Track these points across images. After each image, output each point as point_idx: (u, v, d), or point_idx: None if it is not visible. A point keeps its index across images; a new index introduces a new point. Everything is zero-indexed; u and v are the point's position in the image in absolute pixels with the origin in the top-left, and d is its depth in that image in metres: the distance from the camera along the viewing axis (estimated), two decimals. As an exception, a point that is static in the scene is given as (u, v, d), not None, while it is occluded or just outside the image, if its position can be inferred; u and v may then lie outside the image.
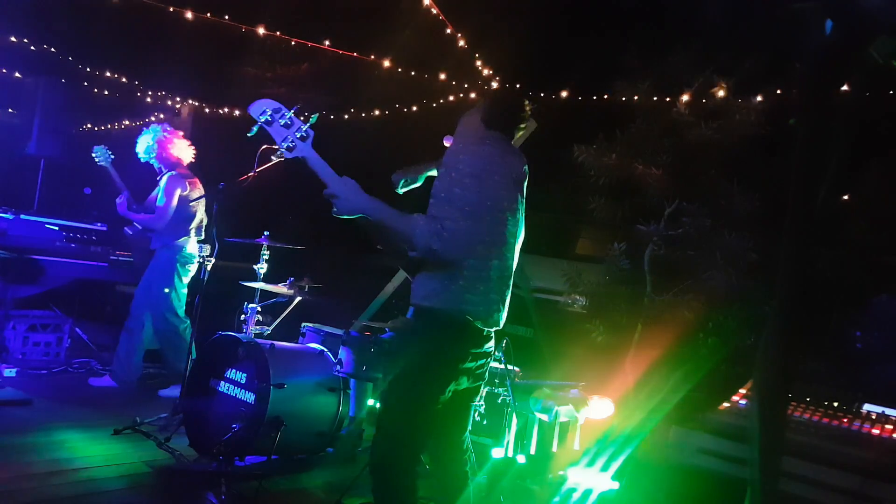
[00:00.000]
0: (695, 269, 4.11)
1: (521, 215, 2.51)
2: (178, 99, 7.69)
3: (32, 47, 6.21)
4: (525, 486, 3.59)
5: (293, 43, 5.47)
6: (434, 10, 4.65)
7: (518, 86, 5.53)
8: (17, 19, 5.59)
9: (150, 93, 7.57)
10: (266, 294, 4.54)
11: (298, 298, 4.52)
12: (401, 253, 2.33)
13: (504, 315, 2.49)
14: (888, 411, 3.12)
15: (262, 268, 4.51)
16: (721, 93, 4.18)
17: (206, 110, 7.64)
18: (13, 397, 4.46)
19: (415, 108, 6.46)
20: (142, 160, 5.24)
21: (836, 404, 3.18)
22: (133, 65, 6.77)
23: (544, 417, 3.39)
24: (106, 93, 7.60)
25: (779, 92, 4.11)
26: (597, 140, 4.27)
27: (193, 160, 5.31)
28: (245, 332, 4.35)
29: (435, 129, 2.86)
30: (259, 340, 3.96)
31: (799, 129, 1.09)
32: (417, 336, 2.41)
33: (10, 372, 4.95)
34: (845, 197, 4.00)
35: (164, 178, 5.08)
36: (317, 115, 3.26)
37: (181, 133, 5.27)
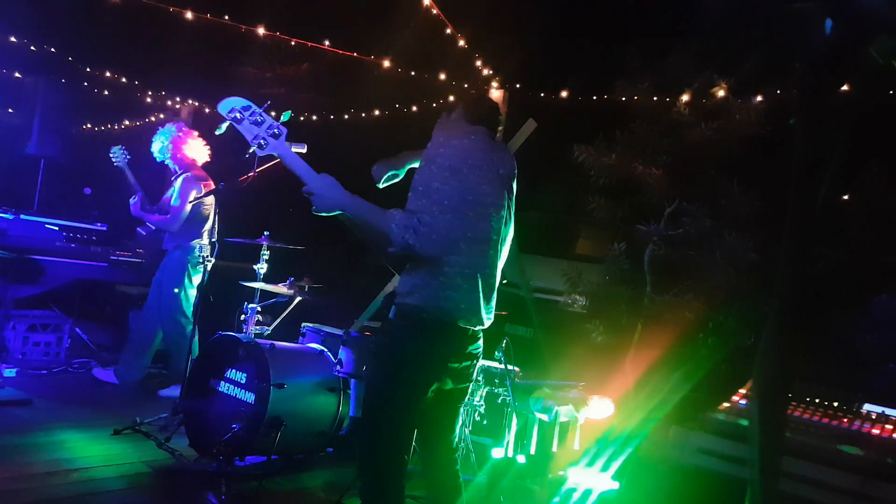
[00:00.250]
0: (695, 269, 4.11)
1: (506, 212, 2.44)
2: (178, 99, 7.69)
3: (32, 47, 6.21)
4: (525, 486, 3.59)
5: (293, 43, 5.47)
6: (434, 11, 4.65)
7: (518, 86, 5.53)
8: (17, 19, 5.59)
9: (150, 93, 7.57)
10: (266, 294, 4.54)
11: (298, 298, 4.52)
12: (383, 249, 2.27)
13: (489, 314, 2.43)
14: (888, 411, 3.12)
15: (262, 268, 4.51)
16: (721, 93, 4.18)
17: (206, 110, 7.64)
18: (13, 397, 4.46)
19: (414, 108, 6.46)
20: (157, 160, 5.24)
21: (836, 404, 3.18)
22: (133, 65, 6.77)
23: (544, 417, 3.39)
24: (106, 93, 7.60)
25: (779, 92, 4.11)
26: (597, 140, 4.27)
27: (209, 160, 5.30)
28: (245, 332, 4.35)
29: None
30: (259, 340, 3.96)
31: (799, 129, 1.09)
32: (397, 334, 2.36)
33: (10, 372, 4.94)
34: (845, 197, 4.01)
35: (179, 180, 5.06)
36: (289, 112, 3.25)
37: (196, 133, 5.22)
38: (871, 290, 4.00)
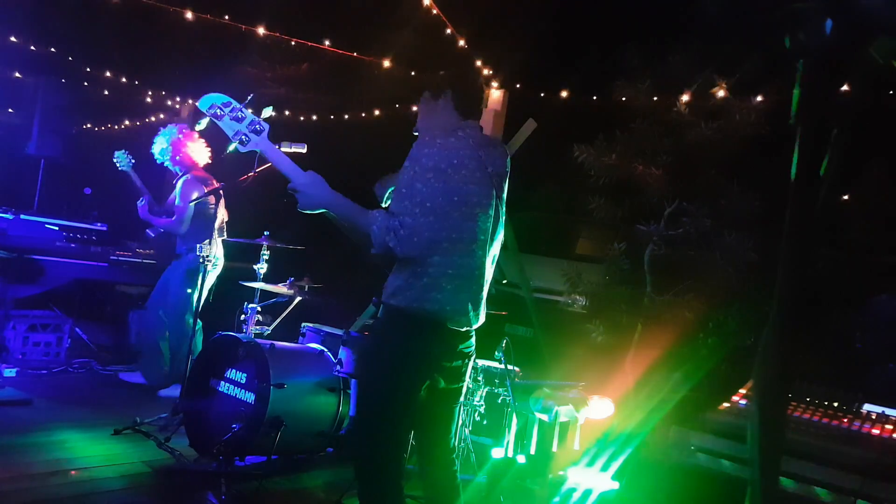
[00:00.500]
0: (695, 269, 4.11)
1: (494, 210, 2.39)
2: (178, 99, 7.69)
3: (32, 47, 6.21)
4: (525, 486, 3.59)
5: (293, 43, 5.47)
6: (434, 11, 4.65)
7: (518, 86, 5.53)
8: (17, 19, 5.59)
9: (150, 93, 7.56)
10: (266, 294, 4.54)
11: (298, 298, 4.52)
12: (367, 249, 2.26)
13: (479, 315, 2.40)
14: (888, 411, 3.12)
15: (262, 268, 4.51)
16: (721, 93, 4.18)
17: (207, 110, 7.62)
18: (13, 397, 4.46)
19: (414, 108, 6.45)
20: (158, 162, 5.25)
21: (836, 404, 3.18)
22: (133, 65, 6.76)
23: (544, 417, 3.39)
24: (106, 93, 7.59)
25: (779, 92, 4.11)
26: (597, 140, 4.27)
27: (210, 160, 5.31)
28: (245, 332, 4.35)
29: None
30: (259, 340, 3.96)
31: (799, 129, 1.09)
32: (385, 334, 2.35)
33: (10, 372, 4.94)
34: (845, 197, 4.01)
35: (180, 182, 5.09)
36: (271, 107, 3.24)
37: (196, 134, 5.24)
38: (871, 290, 4.00)
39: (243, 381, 3.89)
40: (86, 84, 7.30)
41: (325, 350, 4.21)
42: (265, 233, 4.52)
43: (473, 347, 2.46)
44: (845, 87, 1.12)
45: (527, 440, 3.56)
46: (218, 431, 3.76)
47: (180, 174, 5.16)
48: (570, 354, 4.60)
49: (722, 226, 4.02)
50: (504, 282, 5.11)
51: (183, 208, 4.98)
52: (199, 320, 4.99)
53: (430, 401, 2.36)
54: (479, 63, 5.31)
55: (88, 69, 6.90)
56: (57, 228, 5.51)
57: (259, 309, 4.48)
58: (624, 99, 4.39)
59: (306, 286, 4.46)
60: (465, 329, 2.38)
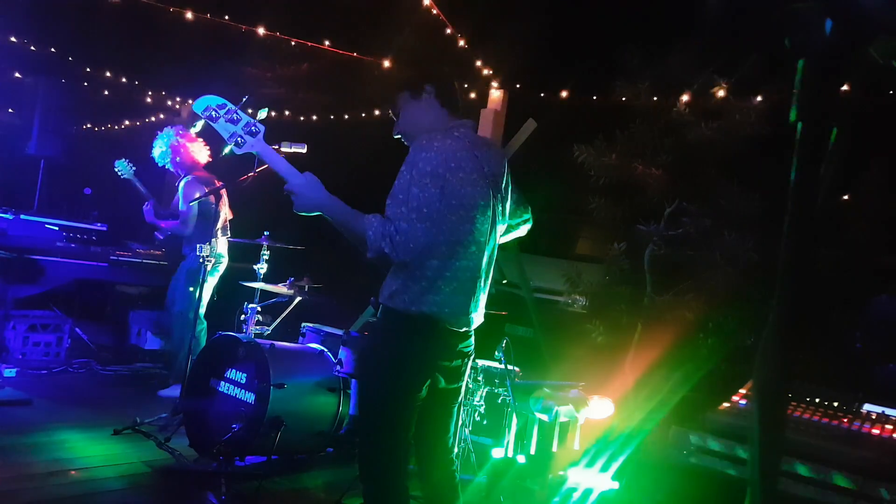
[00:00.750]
0: (695, 269, 4.11)
1: (492, 211, 2.38)
2: (178, 99, 7.69)
3: (32, 47, 6.21)
4: (525, 486, 3.59)
5: (293, 43, 5.47)
6: (434, 11, 4.65)
7: (518, 86, 5.53)
8: (17, 19, 5.59)
9: (150, 93, 7.57)
10: (266, 294, 4.54)
11: (298, 298, 4.52)
12: (363, 252, 2.25)
13: (478, 315, 2.40)
14: (888, 411, 3.12)
15: (262, 268, 4.51)
16: (721, 93, 4.18)
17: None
18: (13, 397, 4.46)
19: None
20: (158, 164, 5.30)
21: (836, 404, 3.18)
22: (133, 65, 6.76)
23: (544, 417, 3.39)
24: (106, 93, 7.59)
25: (779, 92, 4.11)
26: (597, 140, 4.27)
27: (210, 160, 5.34)
28: (245, 332, 4.35)
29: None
30: (259, 340, 3.97)
31: (798, 128, 1.08)
32: (383, 336, 2.36)
33: (10, 372, 4.95)
34: (845, 197, 4.00)
35: (181, 184, 5.13)
36: (266, 108, 3.23)
37: (194, 134, 5.28)
38: (871, 290, 4.00)
39: (243, 381, 3.89)
40: (86, 84, 7.30)
41: (325, 350, 4.21)
42: (265, 233, 4.52)
43: (472, 347, 2.46)
44: (845, 87, 1.12)
45: (527, 440, 3.56)
46: (218, 431, 3.76)
47: (181, 176, 5.19)
48: (570, 354, 4.59)
49: (722, 226, 4.02)
50: (504, 282, 5.10)
51: (185, 210, 5.02)
52: (204, 321, 5.02)
53: (429, 401, 2.36)
54: (479, 63, 5.31)
55: (88, 69, 6.90)
56: (57, 228, 5.52)
57: (259, 309, 4.48)
58: (624, 99, 4.39)
59: (306, 286, 4.46)
60: (463, 329, 2.38)
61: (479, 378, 3.96)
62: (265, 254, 4.52)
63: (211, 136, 5.20)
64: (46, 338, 5.58)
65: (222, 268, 5.10)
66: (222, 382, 3.98)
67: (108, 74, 6.96)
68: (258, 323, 4.49)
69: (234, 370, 3.95)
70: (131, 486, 3.42)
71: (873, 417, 3.10)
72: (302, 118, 7.04)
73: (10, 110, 7.38)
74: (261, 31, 5.28)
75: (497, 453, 3.67)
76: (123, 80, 7.11)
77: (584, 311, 4.42)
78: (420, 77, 2.48)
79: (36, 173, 6.61)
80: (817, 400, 3.22)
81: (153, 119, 8.25)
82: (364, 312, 5.64)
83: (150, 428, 4.05)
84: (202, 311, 5.03)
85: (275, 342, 3.96)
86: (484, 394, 3.94)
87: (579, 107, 5.34)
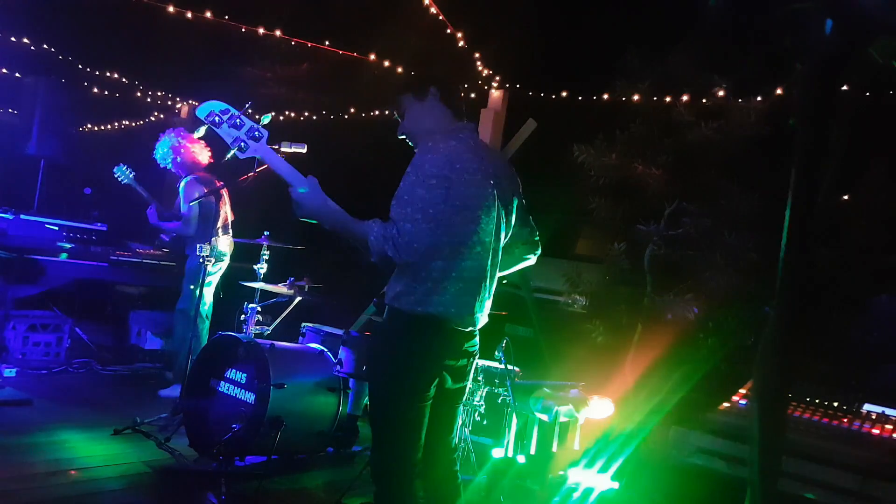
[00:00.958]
0: (695, 269, 4.11)
1: (496, 212, 2.39)
2: (177, 99, 7.69)
3: (32, 47, 6.21)
4: (525, 486, 3.59)
5: (293, 43, 5.47)
6: (434, 10, 4.65)
7: (518, 86, 5.53)
8: (17, 19, 5.59)
9: (149, 93, 7.57)
10: (266, 294, 4.54)
11: (298, 298, 4.52)
12: (367, 255, 2.26)
13: (482, 316, 2.42)
14: (888, 411, 3.12)
15: (262, 268, 4.51)
16: (721, 93, 4.18)
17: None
18: (13, 397, 4.46)
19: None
20: (160, 165, 5.34)
21: (836, 404, 3.18)
22: (133, 65, 6.77)
23: (544, 417, 3.39)
24: (106, 93, 7.59)
25: (779, 92, 4.11)
26: (597, 140, 4.27)
27: (211, 160, 5.36)
28: (245, 332, 4.35)
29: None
30: (259, 340, 3.96)
31: (798, 128, 1.09)
32: (390, 336, 2.37)
33: (10, 372, 4.94)
34: (845, 197, 4.00)
35: (182, 185, 5.15)
36: (270, 114, 3.23)
37: (195, 136, 5.31)
38: (871, 290, 4.00)
39: (243, 381, 3.89)
40: (86, 84, 7.30)
41: (325, 350, 4.21)
42: (265, 233, 4.52)
43: (477, 347, 2.47)
44: (845, 87, 1.13)
45: (527, 440, 3.56)
46: (218, 431, 3.76)
47: (182, 177, 5.21)
48: (570, 354, 4.60)
49: (722, 226, 4.02)
50: (504, 282, 5.10)
51: (187, 211, 5.04)
52: (206, 320, 5.03)
53: (436, 400, 2.37)
54: (479, 63, 5.31)
55: (88, 69, 6.90)
56: (57, 228, 5.51)
57: (259, 309, 4.48)
58: (624, 99, 4.39)
59: (306, 286, 4.46)
60: (469, 329, 2.39)
61: (480, 378, 3.96)
62: (265, 254, 4.52)
63: (212, 138, 5.22)
64: (46, 338, 5.58)
65: (222, 267, 5.11)
66: (222, 382, 3.98)
67: (108, 74, 6.97)
68: (258, 323, 4.49)
69: (234, 370, 3.96)
70: (131, 486, 3.42)
71: (873, 417, 3.10)
72: (302, 118, 7.04)
73: (10, 110, 7.37)
74: (261, 31, 5.29)
75: (497, 453, 3.67)
76: (123, 80, 7.11)
77: (584, 311, 4.43)
78: (424, 79, 2.49)
79: (36, 173, 6.60)
80: (817, 400, 3.22)
81: (153, 119, 8.25)
82: (364, 312, 5.65)
83: (150, 428, 4.05)
84: (209, 309, 5.04)
85: (275, 342, 3.96)
86: (484, 394, 3.94)
87: (579, 107, 5.34)
